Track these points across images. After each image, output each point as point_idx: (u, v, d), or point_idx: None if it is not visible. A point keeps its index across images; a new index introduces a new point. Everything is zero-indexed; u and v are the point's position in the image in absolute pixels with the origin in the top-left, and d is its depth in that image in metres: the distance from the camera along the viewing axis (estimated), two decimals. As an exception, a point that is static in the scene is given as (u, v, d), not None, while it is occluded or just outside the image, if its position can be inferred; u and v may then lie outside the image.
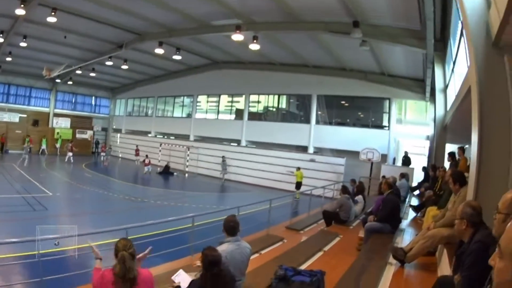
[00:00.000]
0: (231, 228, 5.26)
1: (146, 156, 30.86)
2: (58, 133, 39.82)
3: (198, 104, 35.09)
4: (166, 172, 31.05)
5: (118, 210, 17.95)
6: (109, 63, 29.19)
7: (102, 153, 35.96)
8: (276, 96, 29.70)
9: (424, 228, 6.69)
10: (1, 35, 23.63)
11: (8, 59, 29.96)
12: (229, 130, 31.34)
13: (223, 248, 4.99)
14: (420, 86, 21.25)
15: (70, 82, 38.77)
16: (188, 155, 32.16)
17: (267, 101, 30.49)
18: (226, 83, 30.72)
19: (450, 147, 16.63)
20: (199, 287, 4.15)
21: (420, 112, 23.49)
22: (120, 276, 3.77)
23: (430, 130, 20.48)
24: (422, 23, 14.07)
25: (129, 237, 6.91)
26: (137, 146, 35.63)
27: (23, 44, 24.96)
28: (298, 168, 23.92)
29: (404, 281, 6.02)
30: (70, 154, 32.99)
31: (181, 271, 5.03)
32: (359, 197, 13.24)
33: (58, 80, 36.75)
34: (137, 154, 34.57)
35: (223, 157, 28.15)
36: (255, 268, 6.77)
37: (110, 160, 35.66)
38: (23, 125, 38.02)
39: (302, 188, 21.87)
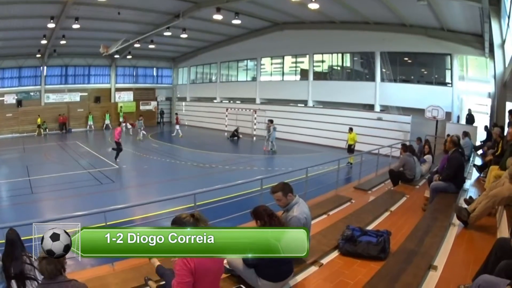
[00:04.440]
0: (291, 188, 5.21)
1: (176, 114, 31.39)
2: (121, 107, 40.88)
3: (262, 66, 34.95)
4: (235, 136, 31.34)
5: (187, 177, 18.45)
6: (167, 33, 29.10)
7: (176, 126, 33.63)
8: (340, 55, 29.09)
9: (487, 188, 6.64)
10: (51, 20, 23.95)
11: (63, 42, 30.16)
12: (295, 91, 31.18)
13: (299, 211, 4.99)
14: (479, 41, 20.07)
15: (129, 56, 39.25)
16: (255, 118, 32.49)
17: (331, 60, 29.88)
18: (289, 44, 30.47)
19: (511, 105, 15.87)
20: None
21: (481, 68, 22.12)
22: None
23: (491, 88, 19.46)
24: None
25: (197, 203, 7.42)
26: (176, 113, 35.25)
27: (76, 26, 24.99)
28: (351, 130, 21.27)
29: (466, 243, 5.99)
30: (129, 126, 33.84)
31: None
32: (427, 157, 13.22)
33: (116, 56, 37.36)
34: (177, 123, 33.53)
35: (269, 121, 26.16)
36: (323, 228, 6.93)
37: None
38: (85, 103, 39.06)
39: (369, 147, 19.68)
